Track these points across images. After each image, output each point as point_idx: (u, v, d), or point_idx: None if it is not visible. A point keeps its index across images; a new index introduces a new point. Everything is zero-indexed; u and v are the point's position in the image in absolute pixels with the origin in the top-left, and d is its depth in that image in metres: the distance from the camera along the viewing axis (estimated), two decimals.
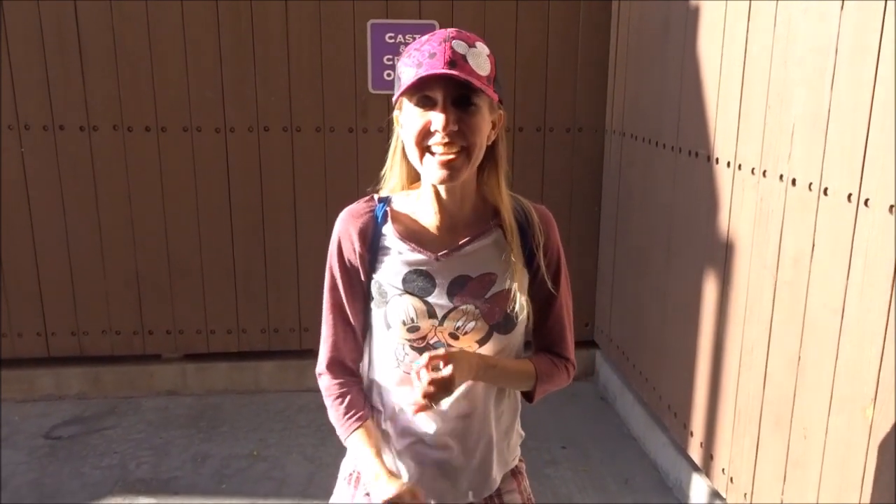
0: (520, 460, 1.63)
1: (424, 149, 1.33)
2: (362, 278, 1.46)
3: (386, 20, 3.84)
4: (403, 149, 1.43)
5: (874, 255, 1.95)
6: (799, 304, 2.29)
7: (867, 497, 1.98)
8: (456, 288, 1.42)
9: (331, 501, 1.62)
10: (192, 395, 4.12)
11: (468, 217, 1.45)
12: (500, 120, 1.40)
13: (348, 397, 1.49)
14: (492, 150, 1.41)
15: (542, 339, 1.56)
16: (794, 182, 2.31)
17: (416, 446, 1.48)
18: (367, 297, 1.48)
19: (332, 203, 3.89)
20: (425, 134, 1.32)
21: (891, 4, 1.89)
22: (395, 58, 3.85)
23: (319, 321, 1.54)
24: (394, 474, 1.40)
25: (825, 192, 2.15)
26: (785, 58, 2.36)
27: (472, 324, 1.42)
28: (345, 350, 1.51)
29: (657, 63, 3.37)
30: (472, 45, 1.31)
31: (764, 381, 2.51)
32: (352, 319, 1.49)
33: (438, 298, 1.41)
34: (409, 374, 1.43)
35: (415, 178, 1.47)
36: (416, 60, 1.30)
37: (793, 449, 2.35)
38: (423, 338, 1.42)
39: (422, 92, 1.31)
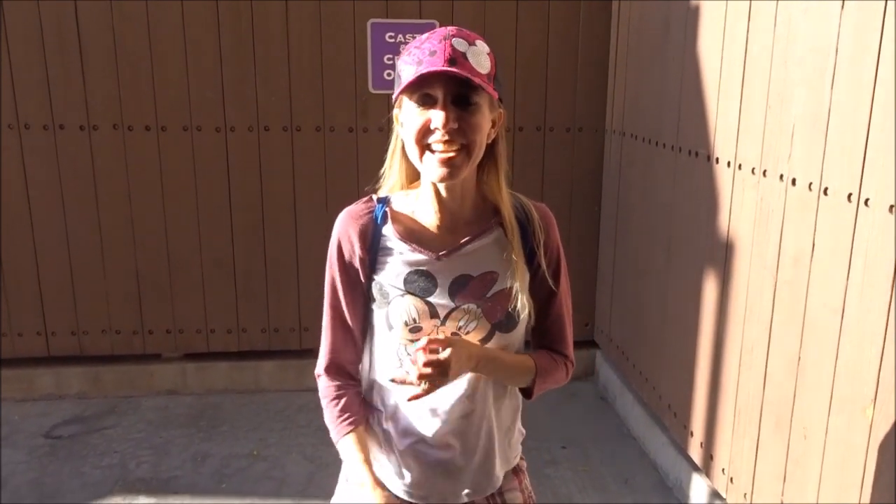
0: (521, 458, 1.63)
1: (424, 147, 1.33)
2: (362, 280, 1.46)
3: (386, 20, 3.84)
4: (403, 148, 1.42)
5: (874, 255, 1.95)
6: (799, 304, 2.29)
7: (867, 497, 1.98)
8: (457, 287, 1.42)
9: (332, 502, 1.62)
10: (192, 394, 4.12)
11: (468, 216, 1.45)
12: (500, 118, 1.40)
13: (343, 400, 1.49)
14: (492, 148, 1.41)
15: (542, 336, 1.56)
16: (794, 182, 2.31)
17: (417, 446, 1.48)
18: (367, 299, 1.47)
19: (333, 203, 3.89)
20: (425, 132, 1.32)
21: (891, 4, 1.89)
22: (396, 57, 3.85)
23: (319, 321, 1.54)
24: (380, 484, 1.40)
25: (825, 192, 2.15)
26: (785, 57, 2.36)
27: (473, 323, 1.42)
28: (343, 353, 1.51)
29: (657, 63, 3.37)
30: (472, 43, 1.31)
31: (764, 381, 2.51)
32: (351, 322, 1.49)
33: (440, 298, 1.41)
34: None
35: (414, 177, 1.47)
36: (416, 58, 1.30)
37: (793, 449, 2.35)
38: None
39: (422, 90, 1.31)
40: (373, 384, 1.53)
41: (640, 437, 3.63)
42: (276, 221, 4.01)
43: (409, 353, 1.43)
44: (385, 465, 1.52)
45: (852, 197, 2.03)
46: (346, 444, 1.46)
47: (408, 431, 1.48)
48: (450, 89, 1.30)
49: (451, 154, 1.31)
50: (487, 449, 1.50)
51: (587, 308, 4.29)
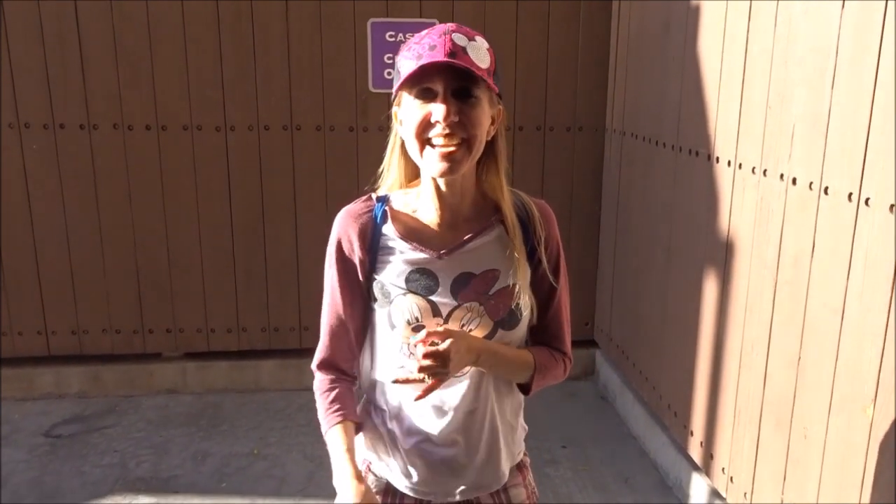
0: (524, 454, 1.63)
1: (425, 141, 1.33)
2: (361, 280, 1.46)
3: (386, 19, 3.84)
4: (402, 146, 1.42)
5: (875, 255, 1.95)
6: (799, 304, 2.29)
7: (867, 496, 1.98)
8: (459, 285, 1.41)
9: (336, 501, 1.62)
10: (192, 393, 4.12)
11: (469, 213, 1.45)
12: (500, 115, 1.40)
13: (335, 392, 1.50)
14: (491, 145, 1.41)
15: (541, 333, 1.56)
16: (794, 181, 2.31)
17: (423, 445, 1.48)
18: (365, 299, 1.47)
19: (333, 202, 3.88)
20: (426, 126, 1.31)
21: (891, 4, 1.89)
22: (396, 56, 3.85)
23: (319, 320, 1.54)
24: (361, 478, 1.40)
25: (826, 192, 2.15)
26: (785, 57, 2.36)
27: (476, 321, 1.42)
28: (339, 351, 1.52)
29: (657, 62, 3.37)
30: (472, 39, 1.31)
31: (764, 381, 2.51)
32: (348, 321, 1.49)
33: (442, 297, 1.41)
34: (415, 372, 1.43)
35: (413, 175, 1.46)
36: (415, 53, 1.30)
37: (793, 448, 2.35)
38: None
39: (422, 84, 1.31)
40: (375, 384, 1.52)
41: (641, 436, 3.63)
42: (277, 220, 4.01)
43: (412, 353, 1.43)
44: (391, 465, 1.52)
45: (853, 196, 2.03)
46: (332, 434, 1.46)
47: (412, 430, 1.48)
48: (450, 83, 1.30)
49: (452, 148, 1.31)
50: (492, 445, 1.50)
51: (587, 307, 4.29)
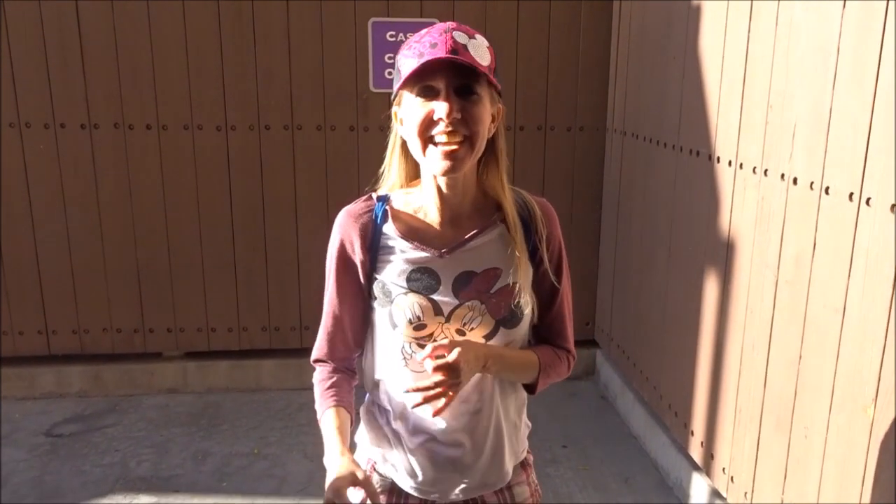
0: (528, 452, 1.63)
1: (427, 139, 1.33)
2: (362, 280, 1.46)
3: (387, 19, 3.84)
4: (402, 145, 1.42)
5: (875, 255, 1.95)
6: (800, 304, 2.29)
7: (868, 497, 1.98)
8: (461, 284, 1.41)
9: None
10: (192, 393, 4.12)
11: (470, 212, 1.45)
12: (500, 113, 1.40)
13: (332, 380, 1.51)
14: (492, 144, 1.41)
15: (544, 331, 1.56)
16: (795, 181, 2.31)
17: (428, 444, 1.48)
18: (366, 298, 1.47)
19: (333, 201, 3.89)
20: (428, 124, 1.31)
21: (892, 4, 1.89)
22: (396, 56, 3.85)
23: (320, 319, 1.54)
24: (347, 452, 1.38)
25: (826, 192, 2.15)
26: (786, 57, 2.35)
27: (478, 319, 1.42)
28: (336, 350, 1.53)
29: (658, 62, 3.37)
30: (472, 37, 1.32)
31: (765, 381, 2.51)
32: (348, 321, 1.50)
33: (443, 296, 1.41)
34: (417, 372, 1.43)
35: (414, 175, 1.47)
36: (416, 52, 1.30)
37: (793, 448, 2.35)
38: (430, 335, 1.42)
39: (423, 81, 1.31)
40: (378, 383, 1.52)
41: (641, 436, 3.63)
42: (277, 220, 4.01)
43: (414, 352, 1.43)
44: (396, 464, 1.52)
45: (853, 196, 2.03)
46: (325, 417, 1.47)
47: (418, 429, 1.48)
48: (452, 80, 1.30)
49: (454, 146, 1.31)
50: (496, 444, 1.50)
51: (588, 307, 4.29)
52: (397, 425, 1.50)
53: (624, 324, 3.89)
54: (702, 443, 2.97)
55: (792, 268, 2.34)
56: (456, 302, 1.41)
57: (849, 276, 2.06)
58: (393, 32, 3.85)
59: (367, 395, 1.58)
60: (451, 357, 1.32)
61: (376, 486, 1.53)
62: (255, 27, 3.78)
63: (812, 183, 2.22)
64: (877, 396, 1.95)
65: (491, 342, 1.44)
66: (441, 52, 1.27)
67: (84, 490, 3.19)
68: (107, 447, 3.54)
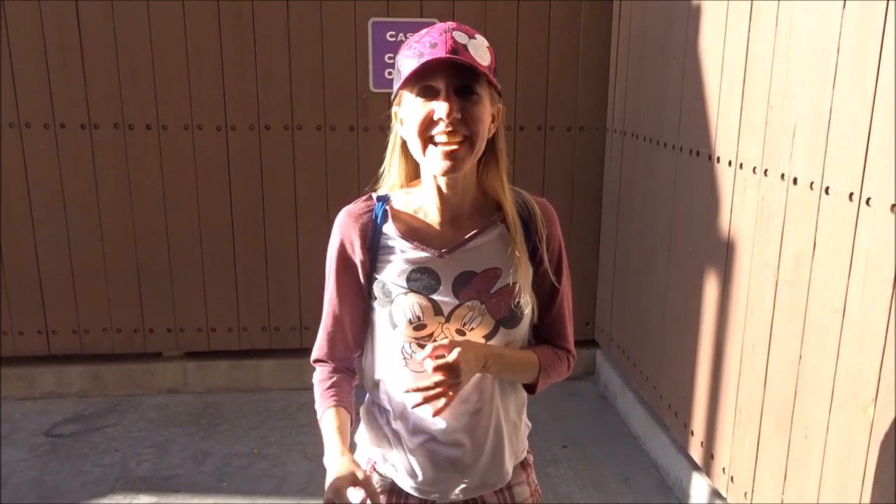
0: (528, 452, 1.63)
1: (427, 139, 1.33)
2: (362, 280, 1.46)
3: (387, 19, 3.84)
4: (402, 145, 1.43)
5: (875, 255, 1.95)
6: (800, 304, 2.29)
7: (868, 497, 1.98)
8: (461, 284, 1.41)
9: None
10: (192, 393, 4.12)
11: (470, 212, 1.45)
12: (500, 113, 1.40)
13: (332, 380, 1.51)
14: (492, 144, 1.41)
15: (544, 331, 1.56)
16: (795, 181, 2.31)
17: (428, 444, 1.48)
18: (365, 298, 1.47)
19: (333, 201, 3.89)
20: (428, 123, 1.31)
21: (892, 4, 1.89)
22: (396, 56, 3.85)
23: (320, 319, 1.54)
24: (347, 452, 1.38)
25: (826, 192, 2.15)
26: (786, 57, 2.35)
27: (478, 319, 1.42)
28: (335, 349, 1.53)
29: (658, 62, 3.37)
30: (472, 37, 1.32)
31: (765, 381, 2.51)
32: (347, 322, 1.50)
33: (443, 295, 1.41)
34: (417, 372, 1.43)
35: (413, 175, 1.47)
36: (416, 51, 1.30)
37: (793, 448, 2.35)
38: (431, 335, 1.42)
39: (424, 81, 1.31)
40: (378, 383, 1.52)
41: (641, 436, 3.63)
42: (277, 220, 4.01)
43: (414, 352, 1.43)
44: (396, 464, 1.52)
45: (853, 196, 2.03)
46: (325, 417, 1.47)
47: (418, 429, 1.48)
48: (452, 80, 1.30)
49: (455, 146, 1.31)
50: (497, 444, 1.50)
51: (588, 307, 4.28)
52: (397, 425, 1.50)
53: (624, 324, 3.89)
54: (702, 443, 2.97)
55: (792, 268, 2.34)
56: (456, 302, 1.41)
57: (849, 276, 2.06)
58: (393, 32, 3.85)
59: (367, 395, 1.58)
60: (451, 357, 1.32)
61: (376, 486, 1.53)
62: (255, 27, 3.78)
63: (812, 183, 2.22)
64: (877, 396, 1.95)
65: (491, 342, 1.44)
66: (441, 52, 1.27)
67: (84, 490, 3.19)
68: (107, 447, 3.54)
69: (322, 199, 3.97)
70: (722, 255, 2.78)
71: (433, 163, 1.34)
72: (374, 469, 1.56)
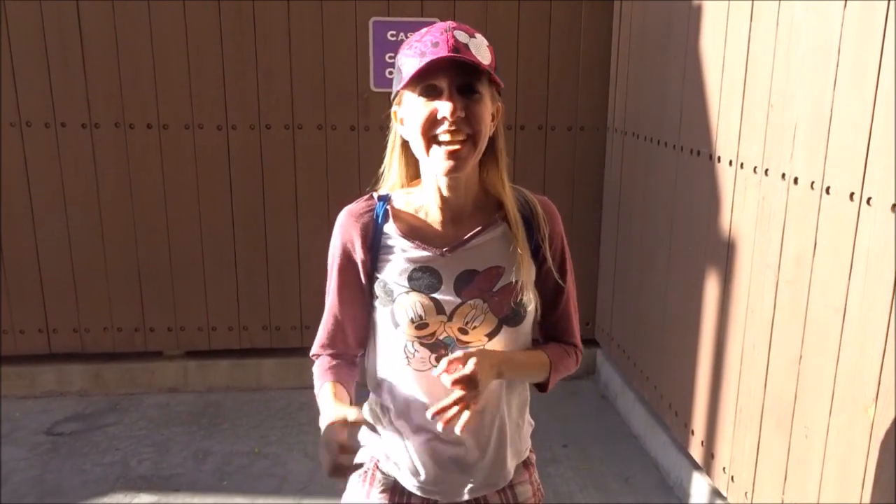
0: (530, 451, 1.63)
1: (431, 139, 1.33)
2: (363, 279, 1.46)
3: (388, 18, 3.84)
4: (402, 145, 1.43)
5: (876, 255, 1.95)
6: (800, 304, 2.29)
7: (868, 497, 1.98)
8: (463, 283, 1.41)
9: (343, 500, 1.62)
10: (193, 392, 4.12)
11: (471, 211, 1.45)
12: (499, 112, 1.40)
13: (334, 363, 1.51)
14: (492, 142, 1.41)
15: (550, 328, 1.57)
16: (796, 181, 2.31)
17: (431, 443, 1.48)
18: (366, 297, 1.47)
19: (334, 201, 3.89)
20: (432, 123, 1.31)
21: (893, 4, 1.89)
22: (396, 55, 3.85)
23: (321, 318, 1.55)
24: (338, 403, 1.38)
25: (827, 191, 2.15)
26: (787, 57, 2.36)
27: (480, 318, 1.42)
28: (335, 347, 1.53)
29: (659, 62, 3.37)
30: (472, 36, 1.32)
31: (765, 380, 2.51)
32: (348, 321, 1.50)
33: (445, 294, 1.41)
34: (419, 371, 1.43)
35: (414, 174, 1.47)
36: (418, 51, 1.30)
37: (794, 448, 2.35)
38: (433, 334, 1.42)
39: (426, 81, 1.31)
40: (380, 382, 1.52)
41: (641, 435, 3.63)
42: (278, 219, 4.01)
43: (416, 351, 1.43)
44: (399, 463, 1.52)
45: (854, 196, 2.03)
46: (323, 388, 1.46)
47: (420, 428, 1.48)
48: (454, 79, 1.30)
49: (457, 146, 1.31)
50: (499, 444, 1.50)
51: (588, 307, 4.29)
52: (399, 424, 1.50)
53: (624, 323, 3.89)
54: (702, 442, 2.97)
55: (792, 268, 2.34)
56: (458, 300, 1.41)
57: (849, 276, 2.06)
58: (394, 32, 3.85)
59: (370, 393, 1.58)
60: (468, 369, 1.31)
61: (379, 484, 1.53)
62: (255, 26, 3.78)
63: (813, 183, 2.22)
64: (877, 397, 1.95)
65: (493, 340, 1.44)
66: (443, 51, 1.27)
67: (84, 489, 3.20)
68: (107, 446, 3.55)
69: (323, 199, 3.98)
70: (722, 254, 2.78)
71: (437, 163, 1.34)
72: (378, 467, 1.56)
